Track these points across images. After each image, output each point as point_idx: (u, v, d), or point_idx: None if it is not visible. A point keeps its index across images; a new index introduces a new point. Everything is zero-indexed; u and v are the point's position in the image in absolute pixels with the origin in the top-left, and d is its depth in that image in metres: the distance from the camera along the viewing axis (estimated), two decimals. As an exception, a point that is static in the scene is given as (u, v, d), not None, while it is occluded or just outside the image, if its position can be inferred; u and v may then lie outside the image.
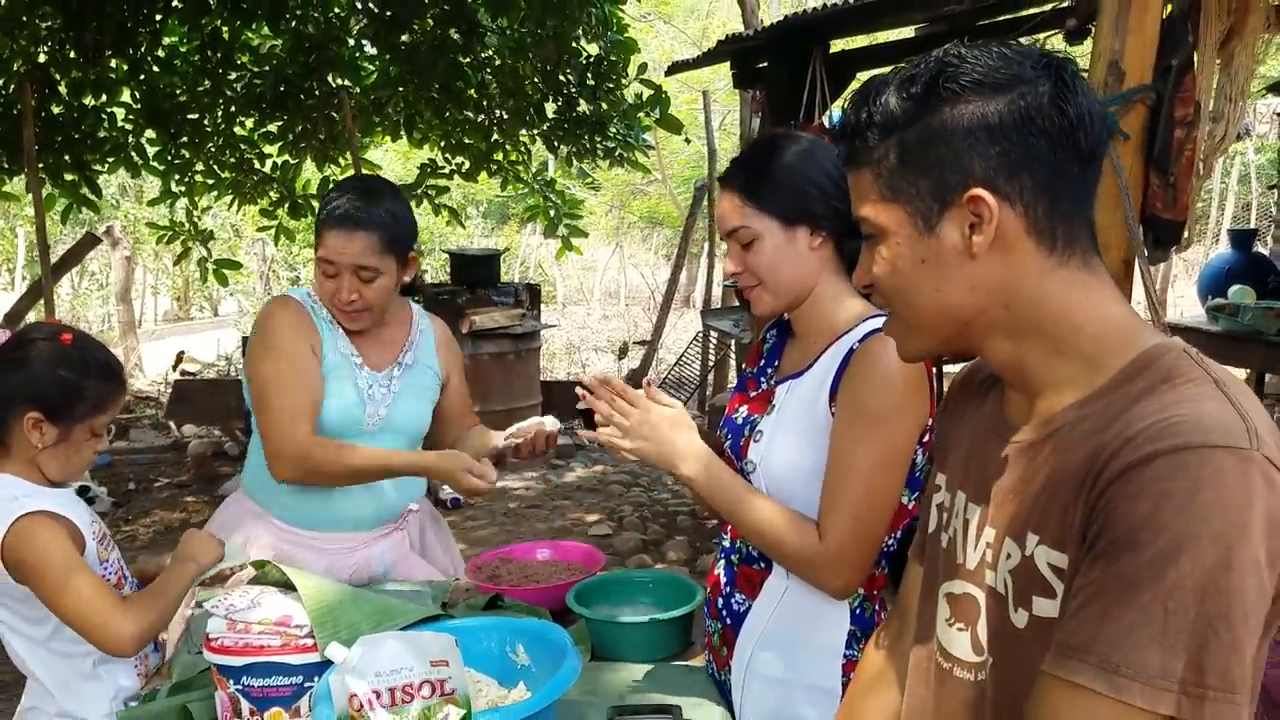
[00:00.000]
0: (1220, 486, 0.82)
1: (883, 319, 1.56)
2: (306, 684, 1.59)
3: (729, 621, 1.73)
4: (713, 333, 8.40)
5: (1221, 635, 0.82)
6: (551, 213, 7.52)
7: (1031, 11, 4.74)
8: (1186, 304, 9.96)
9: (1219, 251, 8.46)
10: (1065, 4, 2.81)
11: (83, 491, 6.06)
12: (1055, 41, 4.83)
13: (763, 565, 1.69)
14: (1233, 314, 5.70)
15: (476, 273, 7.62)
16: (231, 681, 1.59)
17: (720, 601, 1.77)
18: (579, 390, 1.70)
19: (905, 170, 1.00)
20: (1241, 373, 7.95)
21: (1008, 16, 5.11)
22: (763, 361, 1.80)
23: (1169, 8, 2.61)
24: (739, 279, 1.67)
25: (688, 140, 10.54)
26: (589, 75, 6.72)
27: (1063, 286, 0.99)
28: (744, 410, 1.74)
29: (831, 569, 1.54)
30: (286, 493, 2.24)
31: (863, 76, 6.24)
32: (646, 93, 6.83)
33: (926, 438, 1.56)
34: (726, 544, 1.80)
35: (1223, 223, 15.67)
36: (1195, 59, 2.64)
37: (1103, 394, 0.96)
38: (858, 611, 1.62)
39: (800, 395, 1.63)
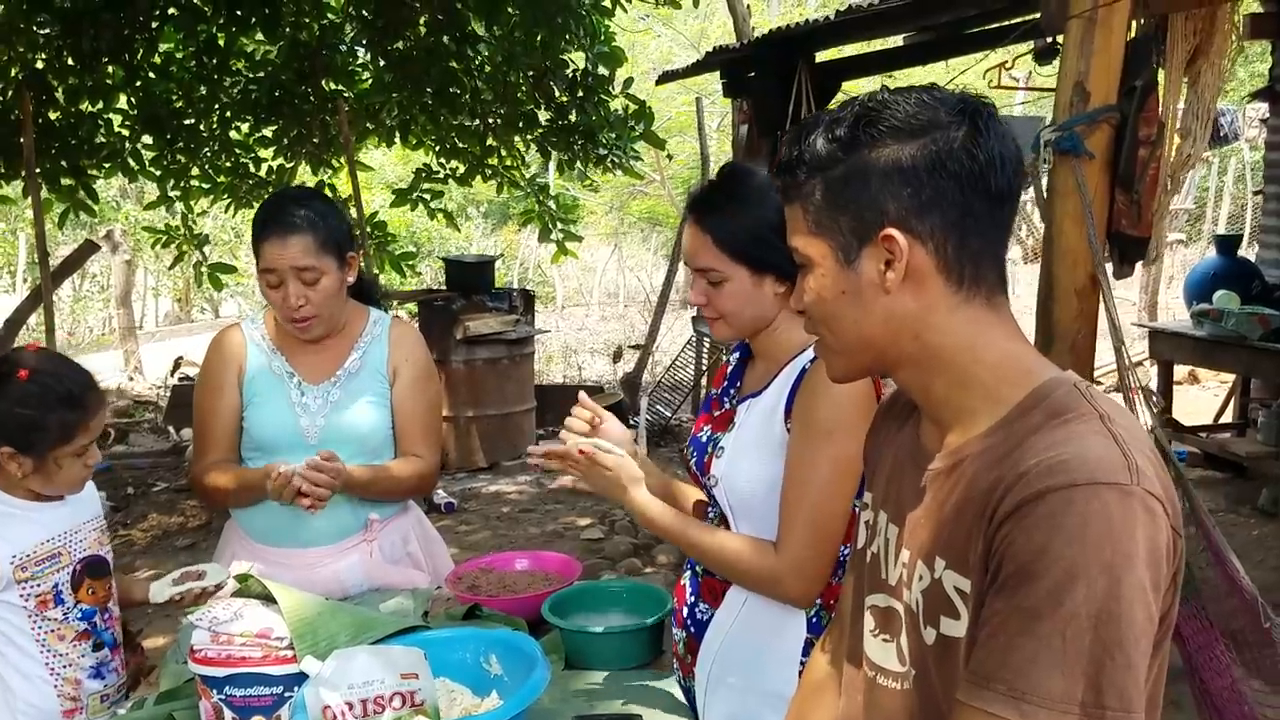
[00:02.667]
0: (1106, 520, 0.90)
1: None
2: (286, 694, 1.65)
3: (693, 630, 1.80)
4: (705, 338, 8.46)
5: (1116, 658, 0.89)
6: (546, 218, 7.58)
7: (1012, 21, 4.81)
8: (1180, 306, 9.99)
9: (1205, 257, 8.50)
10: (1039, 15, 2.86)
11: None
12: (1024, 62, 4.90)
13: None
14: (1217, 319, 5.75)
15: (471, 279, 7.68)
16: (215, 691, 1.65)
17: (685, 611, 1.84)
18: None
19: (829, 207, 1.07)
20: (1228, 377, 8.01)
21: (990, 27, 5.18)
22: (726, 383, 1.88)
23: (1133, 30, 2.67)
24: (704, 309, 1.74)
25: (670, 156, 10.57)
26: (577, 87, 6.78)
27: (966, 322, 1.06)
28: (708, 429, 1.82)
29: (791, 579, 1.61)
30: (248, 511, 2.36)
31: (849, 86, 6.32)
32: (633, 106, 6.90)
33: None
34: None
35: (1218, 224, 15.69)
36: (1160, 79, 2.70)
37: (1001, 426, 1.03)
38: (814, 620, 1.68)
39: (758, 413, 1.71)
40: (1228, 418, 7.10)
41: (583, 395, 1.88)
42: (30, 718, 1.88)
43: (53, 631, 1.89)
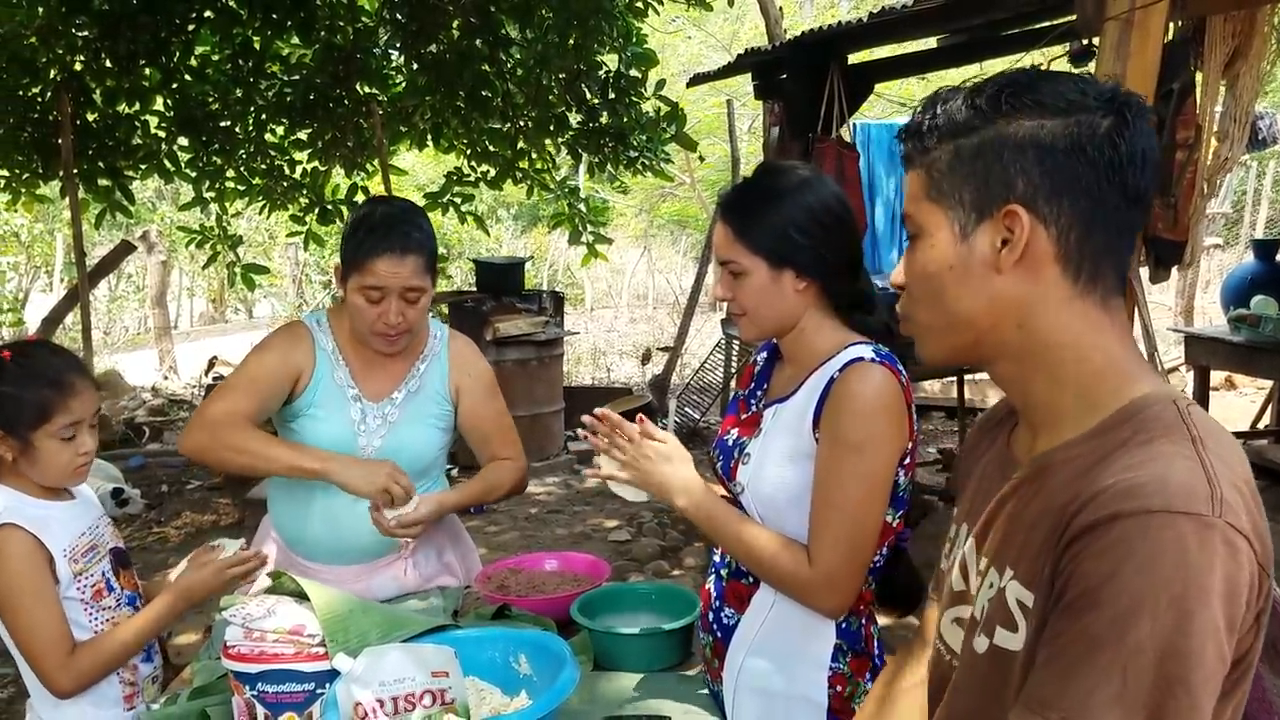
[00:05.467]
0: (1181, 552, 0.84)
1: (862, 346, 1.63)
2: (318, 690, 1.66)
3: (719, 635, 1.79)
4: (735, 341, 8.45)
5: (1180, 699, 0.84)
6: (576, 220, 7.60)
7: (1052, 23, 4.76)
8: (1216, 311, 9.87)
9: (1243, 261, 8.39)
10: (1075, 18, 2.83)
11: (116, 494, 6.21)
12: (1056, 65, 4.85)
13: (750, 580, 1.75)
14: (1255, 324, 5.69)
15: (501, 280, 7.71)
16: (247, 687, 1.67)
17: (711, 615, 1.83)
18: (580, 432, 1.80)
19: (953, 176, 1.02)
20: (1265, 383, 7.90)
21: (1028, 28, 5.14)
22: (753, 384, 1.87)
23: (1170, 32, 2.64)
24: (730, 305, 1.75)
25: (701, 158, 10.56)
26: (609, 89, 6.80)
27: (1077, 319, 1.01)
28: (734, 433, 1.81)
29: (823, 592, 1.61)
30: (281, 513, 2.34)
31: (881, 88, 6.29)
32: (664, 108, 6.91)
33: (907, 460, 1.63)
34: (717, 559, 1.87)
35: (1256, 229, 15.47)
36: (1197, 82, 2.67)
37: (1090, 438, 0.98)
38: (843, 626, 1.68)
39: (785, 420, 1.69)
40: (1265, 424, 7.01)
41: (600, 410, 1.84)
42: (98, 708, 1.92)
43: (109, 620, 1.94)
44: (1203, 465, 0.89)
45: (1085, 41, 4.12)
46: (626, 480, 1.74)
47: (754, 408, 1.83)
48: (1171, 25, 2.68)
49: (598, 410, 1.79)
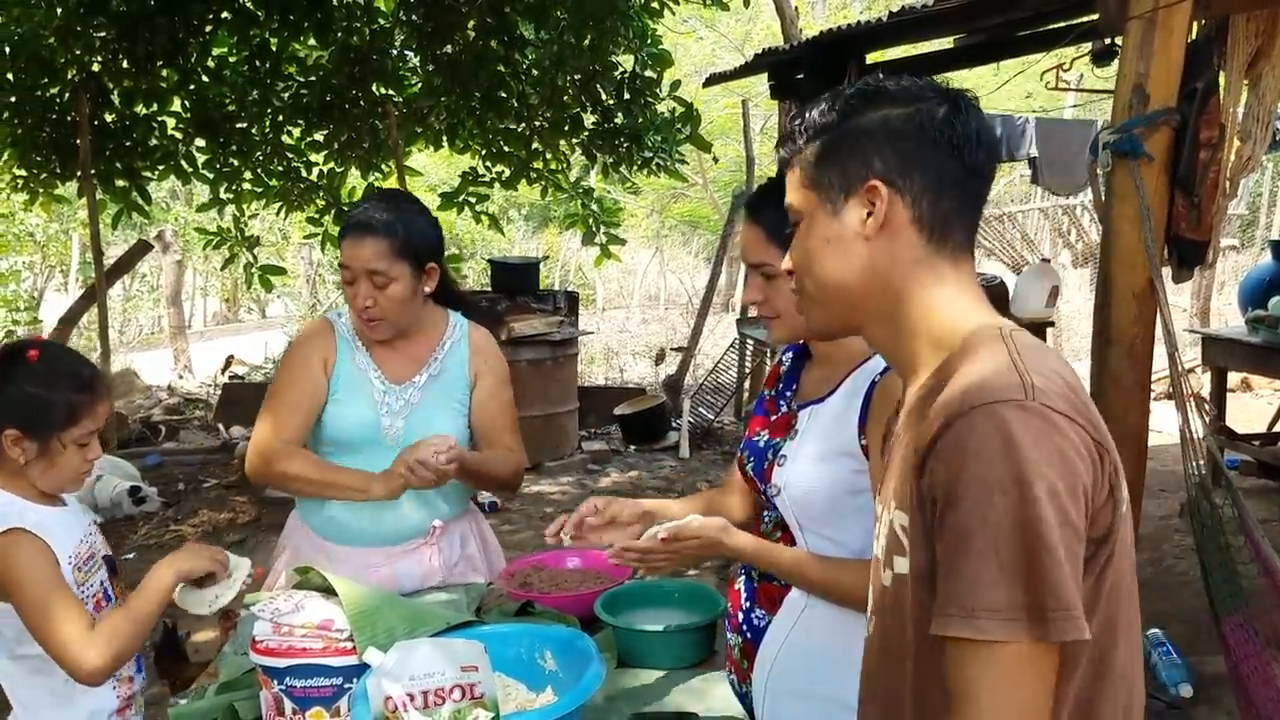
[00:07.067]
0: (1007, 434, 0.95)
1: None
2: (346, 685, 1.67)
3: (749, 636, 1.78)
4: (749, 341, 8.45)
5: (1044, 560, 0.93)
6: (590, 221, 7.61)
7: (1070, 23, 4.75)
8: (1232, 312, 9.82)
9: (1260, 262, 8.35)
10: (1097, 17, 2.83)
11: (134, 492, 6.24)
12: (1080, 64, 4.84)
13: (782, 582, 1.74)
14: (1272, 326, 5.66)
15: (516, 280, 7.73)
16: (275, 682, 1.68)
17: (740, 616, 1.82)
18: (612, 560, 1.81)
19: (822, 164, 1.19)
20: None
21: (1047, 28, 5.13)
22: (780, 384, 1.86)
23: (1194, 32, 2.63)
24: (760, 308, 1.73)
25: (716, 159, 10.57)
26: (624, 89, 6.81)
27: (928, 274, 1.15)
28: (765, 434, 1.80)
29: None
30: (315, 505, 2.36)
31: (898, 88, 6.26)
32: (679, 108, 6.91)
33: None
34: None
35: (1272, 230, 15.39)
36: (1220, 82, 2.66)
37: (935, 373, 1.11)
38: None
39: (823, 421, 1.67)
40: (1282, 426, 6.97)
41: (584, 507, 1.86)
42: (92, 718, 1.90)
43: None
44: (1013, 364, 1.02)
45: (1107, 41, 4.11)
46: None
47: (784, 408, 1.81)
48: (1195, 24, 2.67)
49: (615, 547, 1.78)
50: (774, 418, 1.82)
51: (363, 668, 1.62)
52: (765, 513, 1.80)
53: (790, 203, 1.23)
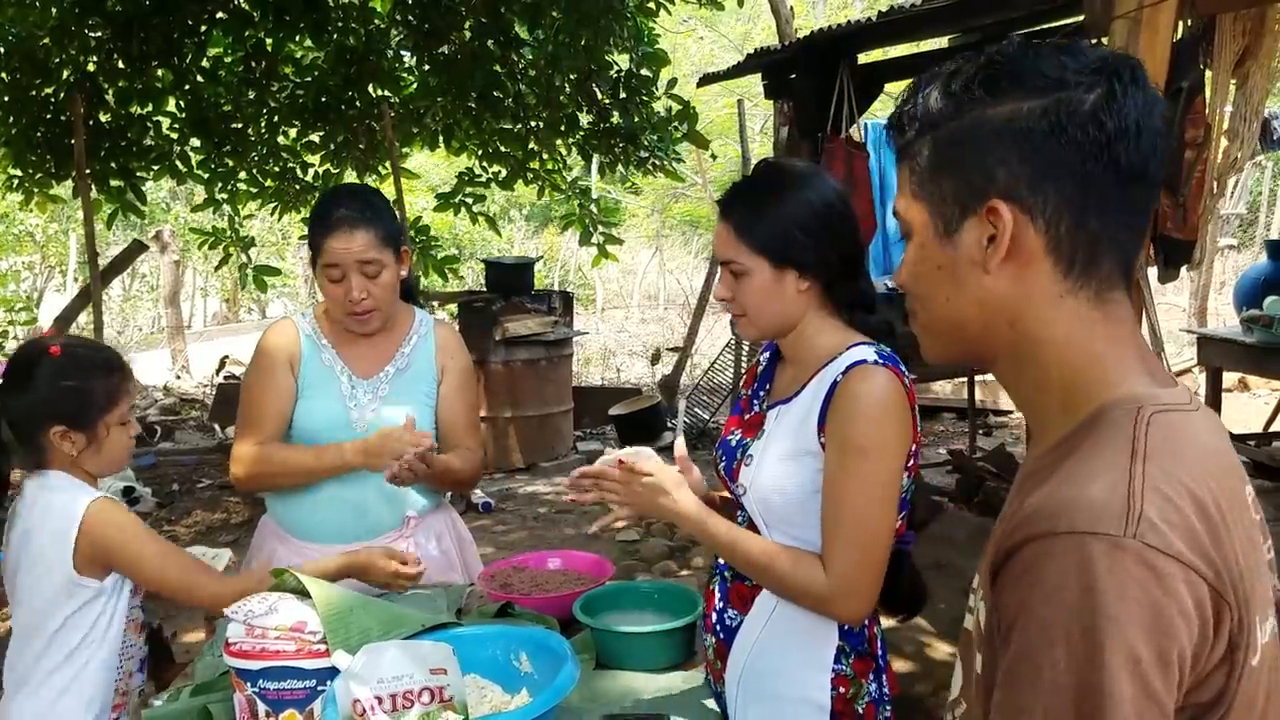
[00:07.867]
0: (1088, 579, 0.77)
1: (865, 348, 1.62)
2: (320, 687, 1.66)
3: (723, 636, 1.78)
4: (745, 342, 8.44)
5: None
6: (587, 221, 7.60)
7: (1057, 23, 4.75)
8: (1230, 312, 9.82)
9: (1257, 262, 8.33)
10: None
11: (127, 492, 6.24)
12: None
13: (753, 582, 1.74)
14: (1268, 325, 5.65)
15: (511, 281, 7.73)
16: (249, 684, 1.67)
17: (715, 616, 1.82)
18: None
19: (934, 170, 0.96)
20: (1279, 386, 7.84)
21: (1038, 27, 5.12)
22: (756, 384, 1.86)
23: (1179, 31, 2.62)
24: (729, 305, 1.73)
25: (714, 157, 10.58)
26: (620, 88, 6.81)
27: (1065, 316, 0.93)
28: (737, 433, 1.80)
29: (842, 599, 1.59)
30: (281, 502, 2.40)
31: (891, 88, 6.28)
32: (676, 107, 6.91)
33: (910, 463, 1.62)
34: (720, 561, 1.86)
35: (1270, 229, 15.37)
36: (1206, 81, 2.65)
37: (1054, 448, 0.92)
38: (845, 627, 1.66)
39: (788, 421, 1.68)
40: (1278, 426, 6.96)
41: (579, 470, 1.86)
42: (87, 711, 1.91)
43: (132, 620, 1.98)
44: (1128, 481, 0.81)
45: (1094, 40, 4.11)
46: (628, 518, 1.78)
47: (756, 408, 1.81)
48: (1180, 24, 2.67)
49: (575, 471, 1.81)
50: (747, 417, 1.82)
51: (336, 670, 1.61)
52: (739, 513, 1.80)
53: (897, 209, 1.01)
